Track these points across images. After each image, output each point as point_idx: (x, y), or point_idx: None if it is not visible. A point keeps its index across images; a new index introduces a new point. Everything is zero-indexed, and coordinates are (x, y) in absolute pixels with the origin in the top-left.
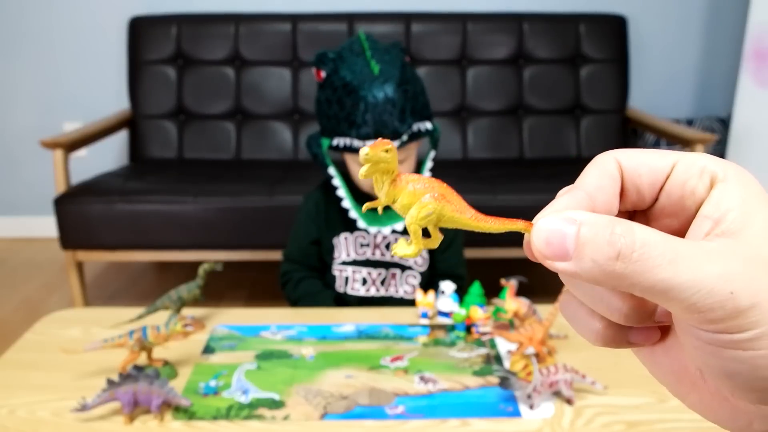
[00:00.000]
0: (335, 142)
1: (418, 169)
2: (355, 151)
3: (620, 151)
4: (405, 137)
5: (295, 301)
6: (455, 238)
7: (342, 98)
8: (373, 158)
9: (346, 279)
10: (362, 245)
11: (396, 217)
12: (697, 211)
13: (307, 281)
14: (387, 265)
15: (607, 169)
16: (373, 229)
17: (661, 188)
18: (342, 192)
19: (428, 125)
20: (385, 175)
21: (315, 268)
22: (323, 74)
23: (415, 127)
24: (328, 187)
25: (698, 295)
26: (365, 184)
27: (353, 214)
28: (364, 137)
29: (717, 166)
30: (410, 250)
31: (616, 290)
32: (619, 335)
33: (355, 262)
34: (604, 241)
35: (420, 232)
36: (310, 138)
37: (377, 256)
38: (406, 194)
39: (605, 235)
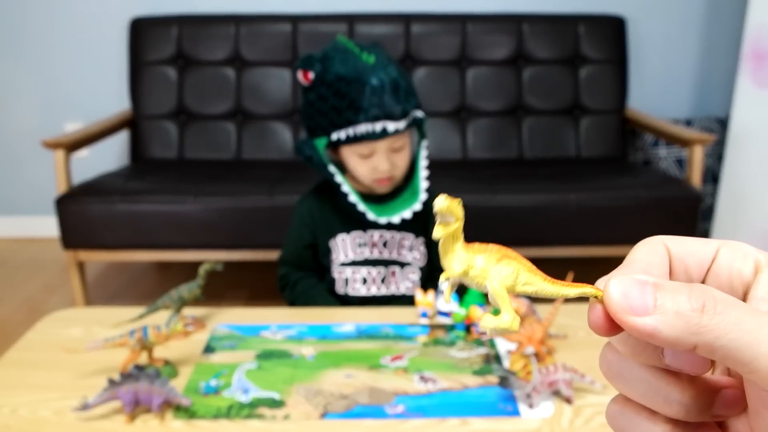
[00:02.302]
0: (335, 136)
1: (414, 160)
2: (359, 140)
3: (667, 237)
4: (410, 119)
5: (293, 302)
6: None
7: (340, 89)
8: (449, 206)
9: (346, 280)
10: (360, 245)
11: (402, 206)
12: (744, 291)
13: (304, 281)
14: (386, 263)
15: (657, 250)
16: (383, 220)
17: (708, 270)
18: (346, 188)
19: (421, 113)
20: (454, 242)
21: (311, 270)
22: (311, 75)
23: (412, 114)
24: (322, 191)
25: None
26: (366, 179)
27: (361, 207)
28: (373, 119)
29: (758, 253)
30: (506, 319)
31: (674, 380)
32: None
33: (354, 263)
34: (686, 295)
35: (508, 296)
36: (301, 143)
37: (375, 255)
38: (482, 259)
39: (686, 290)
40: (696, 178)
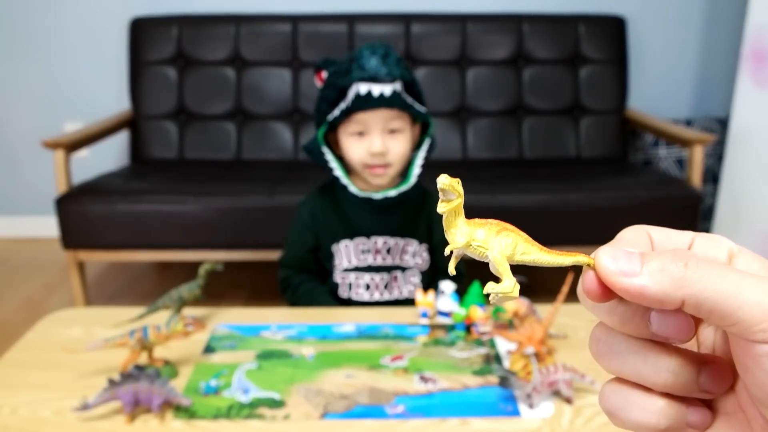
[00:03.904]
0: (331, 116)
1: (410, 159)
2: (350, 112)
3: (649, 226)
4: (398, 86)
5: (294, 304)
6: None
7: (339, 70)
8: (451, 183)
9: (350, 285)
10: (363, 251)
11: (387, 190)
12: None
13: (306, 284)
14: (389, 269)
15: (641, 233)
16: (362, 194)
17: None
18: (334, 164)
19: (421, 108)
20: (456, 217)
21: (313, 272)
22: (324, 74)
23: (410, 100)
24: (324, 194)
25: None
26: (360, 165)
27: (345, 181)
28: (358, 79)
29: (730, 242)
30: (507, 285)
31: (661, 349)
32: (680, 414)
33: (357, 269)
34: (669, 255)
35: (508, 264)
36: (309, 142)
37: (378, 262)
38: (483, 232)
39: (669, 252)
40: (696, 178)
